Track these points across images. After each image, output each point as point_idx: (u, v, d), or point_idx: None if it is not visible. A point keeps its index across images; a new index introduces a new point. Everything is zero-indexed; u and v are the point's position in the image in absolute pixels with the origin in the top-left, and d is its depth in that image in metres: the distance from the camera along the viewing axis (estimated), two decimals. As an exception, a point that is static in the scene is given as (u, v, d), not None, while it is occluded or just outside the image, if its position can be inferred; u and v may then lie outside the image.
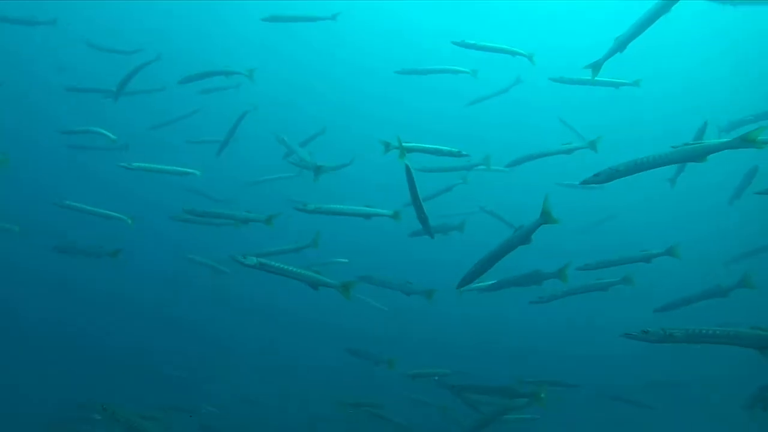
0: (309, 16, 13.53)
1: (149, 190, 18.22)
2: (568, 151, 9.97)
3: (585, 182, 6.23)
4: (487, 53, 11.85)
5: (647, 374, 13.84)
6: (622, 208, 19.37)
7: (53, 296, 16.84)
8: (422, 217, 7.68)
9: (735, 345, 5.14)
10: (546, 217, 6.26)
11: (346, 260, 13.41)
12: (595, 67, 8.49)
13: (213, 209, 10.80)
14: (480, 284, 8.38)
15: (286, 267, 7.13)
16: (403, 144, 8.55)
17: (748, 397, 9.56)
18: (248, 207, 10.21)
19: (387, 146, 8.65)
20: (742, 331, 5.11)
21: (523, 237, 6.36)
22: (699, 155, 5.71)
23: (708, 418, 12.89)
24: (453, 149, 8.98)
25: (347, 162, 11.52)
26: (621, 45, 7.99)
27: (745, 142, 5.57)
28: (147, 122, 17.22)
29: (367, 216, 8.59)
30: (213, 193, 15.63)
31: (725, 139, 5.78)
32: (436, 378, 9.69)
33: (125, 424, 6.52)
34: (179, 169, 10.90)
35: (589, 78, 10.44)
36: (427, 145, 8.92)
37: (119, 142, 12.96)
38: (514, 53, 11.50)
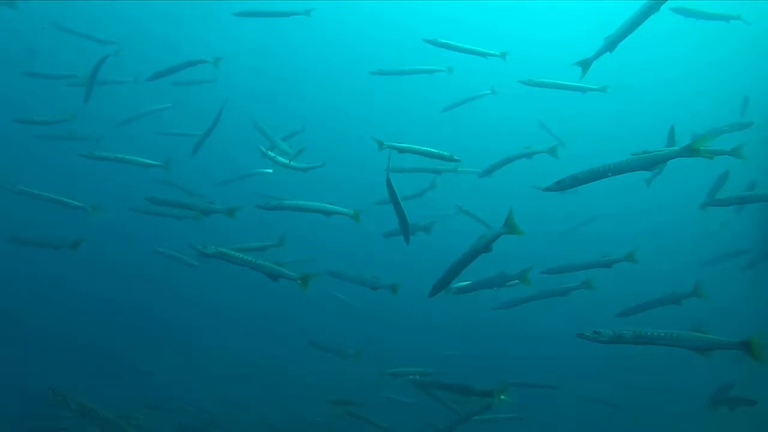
0: (281, 11, 12.94)
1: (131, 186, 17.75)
2: (529, 155, 10.27)
3: (547, 189, 6.48)
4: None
5: (625, 377, 14.02)
6: (610, 211, 19.56)
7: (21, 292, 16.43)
8: (404, 226, 7.80)
9: (678, 347, 5.46)
10: (510, 227, 6.41)
11: (312, 257, 13.55)
12: (584, 65, 8.31)
13: (174, 198, 10.10)
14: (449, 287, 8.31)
15: (244, 257, 7.10)
16: (396, 144, 8.59)
17: (710, 397, 10.00)
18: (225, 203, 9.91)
19: (380, 144, 8.70)
20: (683, 334, 5.42)
21: (486, 245, 6.51)
22: (650, 164, 6.07)
23: (681, 420, 13.09)
24: (444, 153, 8.98)
25: (319, 164, 11.16)
26: (611, 44, 7.89)
27: (690, 151, 5.92)
28: (118, 115, 16.70)
29: (328, 213, 8.62)
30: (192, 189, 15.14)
31: (673, 149, 6.16)
32: (415, 377, 9.65)
33: (77, 409, 6.30)
34: (143, 160, 10.24)
35: (556, 81, 10.74)
36: (419, 147, 8.87)
37: (93, 134, 12.50)
38: (485, 54, 11.41)
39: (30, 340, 14.76)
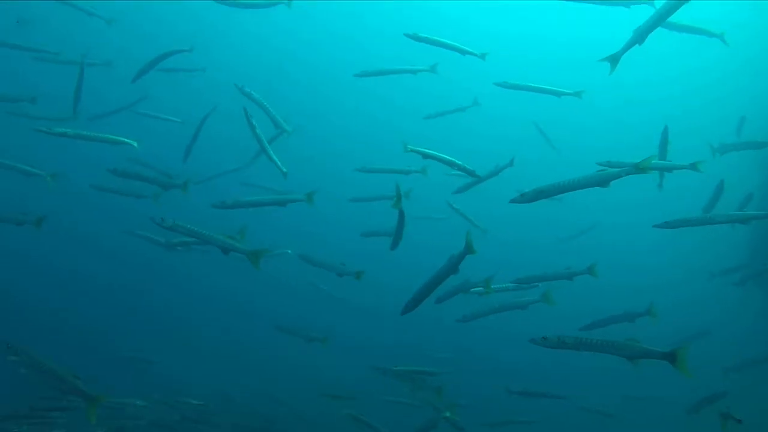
0: (258, 2, 12.49)
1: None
2: (496, 173, 10.36)
3: (513, 201, 6.93)
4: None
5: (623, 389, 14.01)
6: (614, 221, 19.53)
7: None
8: (397, 241, 8.00)
9: (613, 354, 5.87)
10: (469, 249, 6.84)
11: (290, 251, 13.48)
12: (613, 60, 7.94)
13: (136, 170, 9.79)
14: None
15: (197, 230, 7.35)
16: (421, 150, 8.73)
17: (693, 404, 10.41)
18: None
19: (405, 147, 8.83)
20: (617, 342, 5.85)
21: (453, 267, 6.90)
22: (604, 181, 6.50)
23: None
24: (468, 167, 8.98)
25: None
26: (640, 36, 7.64)
27: (639, 169, 6.40)
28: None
29: (283, 203, 8.73)
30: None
31: (623, 167, 6.54)
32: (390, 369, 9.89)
33: (28, 362, 6.40)
34: (112, 137, 9.44)
35: (531, 84, 10.79)
36: (443, 156, 8.84)
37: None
38: (464, 52, 11.17)
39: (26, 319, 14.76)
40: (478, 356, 15.68)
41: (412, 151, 8.79)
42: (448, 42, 11.16)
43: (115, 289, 17.87)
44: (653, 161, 6.50)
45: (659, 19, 7.49)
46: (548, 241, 19.46)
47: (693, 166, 7.87)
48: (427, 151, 8.81)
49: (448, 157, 8.89)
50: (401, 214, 7.77)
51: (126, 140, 9.40)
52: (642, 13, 7.80)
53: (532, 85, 10.89)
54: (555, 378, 14.02)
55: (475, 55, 11.20)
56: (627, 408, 13.72)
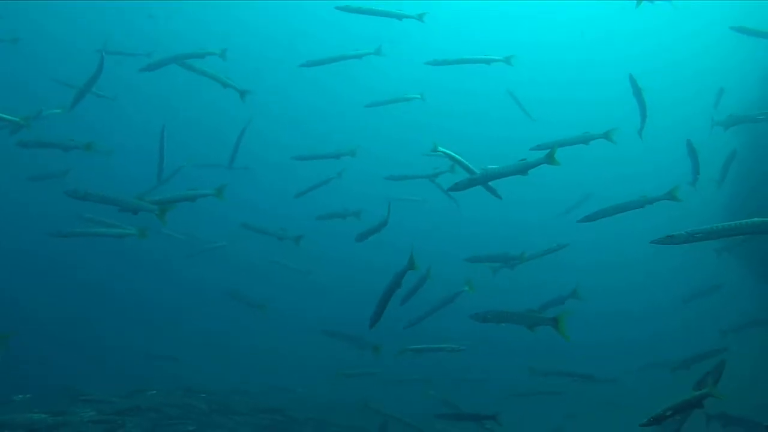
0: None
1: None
2: (435, 176, 10.80)
3: (449, 190, 7.80)
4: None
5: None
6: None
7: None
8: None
9: (515, 323, 6.98)
10: (411, 265, 7.37)
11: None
12: None
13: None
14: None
15: (106, 194, 7.89)
16: (449, 152, 8.82)
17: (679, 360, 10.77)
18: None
19: (434, 148, 8.96)
20: (521, 313, 6.95)
21: (397, 282, 7.31)
22: (523, 170, 7.34)
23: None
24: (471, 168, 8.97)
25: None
26: None
27: (551, 159, 7.26)
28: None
29: (192, 198, 8.65)
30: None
31: (539, 157, 7.33)
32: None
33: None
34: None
35: (461, 57, 11.06)
36: (464, 161, 8.78)
37: None
38: (400, 17, 11.11)
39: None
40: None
41: (440, 152, 8.79)
42: (384, 9, 10.99)
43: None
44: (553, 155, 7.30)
45: None
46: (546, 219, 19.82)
47: (606, 135, 8.39)
48: (454, 155, 8.76)
49: (467, 163, 8.72)
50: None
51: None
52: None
53: (462, 57, 11.10)
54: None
55: (411, 17, 11.12)
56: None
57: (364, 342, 10.98)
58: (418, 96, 12.50)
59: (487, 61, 10.91)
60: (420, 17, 11.20)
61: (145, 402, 10.65)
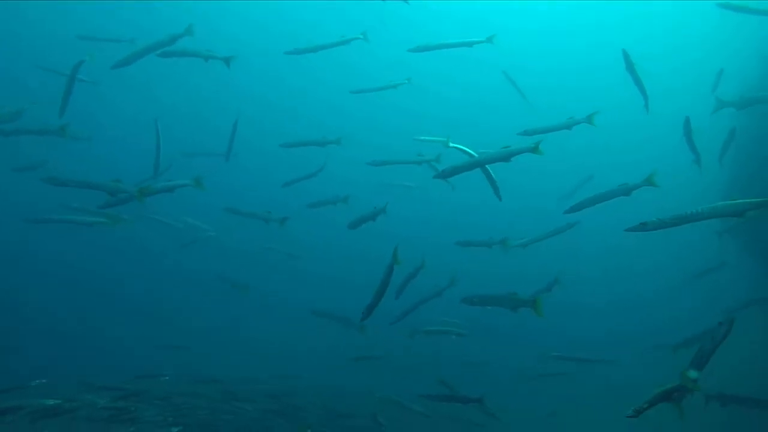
0: None
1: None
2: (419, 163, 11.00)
3: (435, 177, 8.25)
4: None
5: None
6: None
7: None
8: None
9: (501, 307, 7.43)
10: (395, 260, 7.44)
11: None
12: None
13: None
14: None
15: (80, 179, 8.25)
16: (462, 147, 8.76)
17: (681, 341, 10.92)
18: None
19: (446, 142, 9.20)
20: (502, 296, 7.43)
21: (387, 279, 7.37)
22: (507, 157, 7.69)
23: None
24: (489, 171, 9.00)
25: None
26: None
27: (535, 150, 7.59)
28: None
29: (171, 189, 8.69)
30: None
31: (523, 146, 7.65)
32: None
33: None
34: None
35: (443, 42, 11.13)
36: (472, 152, 8.74)
37: None
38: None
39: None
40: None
41: (453, 147, 8.79)
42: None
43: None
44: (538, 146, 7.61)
45: None
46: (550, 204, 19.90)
47: (588, 120, 8.56)
48: (467, 149, 8.61)
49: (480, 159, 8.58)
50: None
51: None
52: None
53: (444, 42, 11.16)
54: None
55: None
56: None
57: (351, 322, 11.55)
58: (406, 81, 12.26)
59: (470, 44, 11.05)
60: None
61: (156, 389, 10.88)
